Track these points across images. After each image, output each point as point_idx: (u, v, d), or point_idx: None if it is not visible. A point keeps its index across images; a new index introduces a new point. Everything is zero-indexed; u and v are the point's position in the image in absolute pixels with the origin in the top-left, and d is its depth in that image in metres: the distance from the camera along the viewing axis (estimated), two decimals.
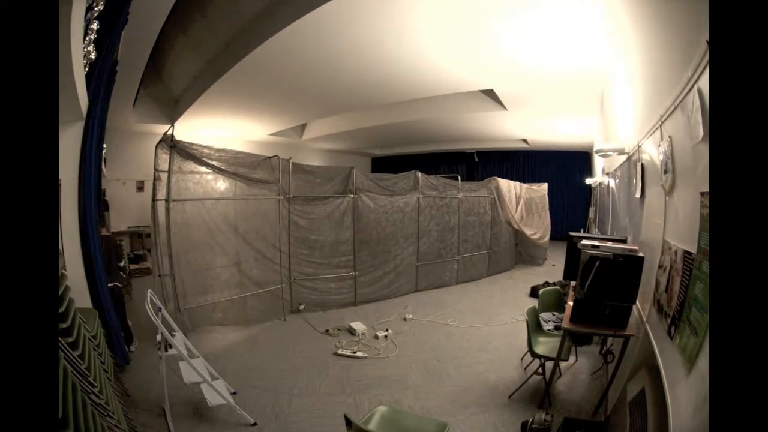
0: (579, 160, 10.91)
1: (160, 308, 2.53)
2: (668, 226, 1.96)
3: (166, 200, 3.83)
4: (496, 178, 7.42)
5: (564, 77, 5.10)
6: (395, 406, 2.74)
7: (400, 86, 5.96)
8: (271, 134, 9.40)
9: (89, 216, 3.13)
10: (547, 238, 8.30)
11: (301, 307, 4.86)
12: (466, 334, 4.25)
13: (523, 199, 7.96)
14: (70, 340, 1.72)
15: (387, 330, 4.20)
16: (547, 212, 8.59)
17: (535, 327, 3.06)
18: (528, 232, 7.82)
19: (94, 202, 3.21)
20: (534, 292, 5.66)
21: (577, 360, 3.49)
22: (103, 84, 3.23)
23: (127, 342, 3.47)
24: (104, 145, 4.27)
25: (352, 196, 5.17)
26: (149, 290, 2.56)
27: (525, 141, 10.87)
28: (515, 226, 7.59)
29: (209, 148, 4.13)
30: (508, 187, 7.57)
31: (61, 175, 2.94)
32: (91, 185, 3.16)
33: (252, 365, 3.42)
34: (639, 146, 2.75)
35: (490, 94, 6.68)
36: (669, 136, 1.88)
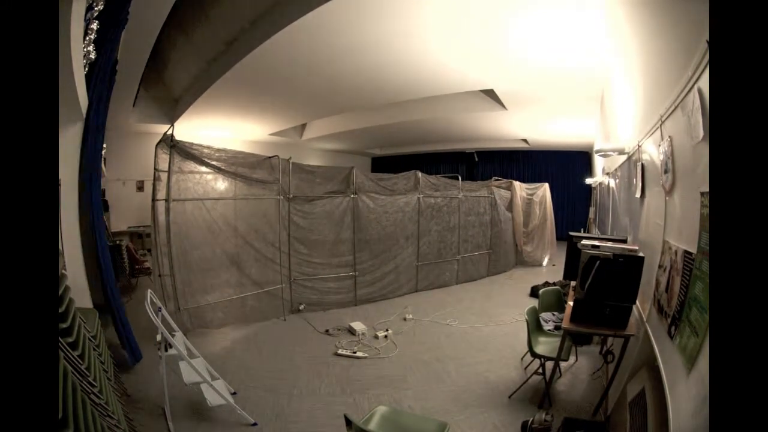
0: (579, 160, 10.91)
1: (160, 308, 2.53)
2: (668, 226, 1.96)
3: (166, 200, 3.84)
4: (513, 180, 7.47)
5: (564, 77, 5.11)
6: (395, 406, 2.74)
7: (400, 86, 5.97)
8: (271, 134, 9.40)
9: (96, 217, 3.13)
10: (547, 259, 8.12)
11: (301, 307, 4.86)
12: (466, 334, 4.25)
13: (538, 212, 7.99)
14: (70, 340, 1.72)
15: (387, 330, 4.20)
16: (551, 224, 8.31)
17: (535, 327, 3.06)
18: (527, 249, 7.95)
19: (98, 203, 3.21)
20: (534, 292, 5.66)
21: (577, 360, 3.49)
22: (103, 84, 3.23)
23: None
24: (104, 145, 4.27)
25: (352, 195, 5.17)
26: (149, 290, 2.56)
27: (525, 141, 10.87)
28: (518, 237, 7.64)
29: (209, 147, 4.13)
30: (520, 191, 7.64)
31: (61, 175, 2.94)
32: (92, 186, 3.16)
33: (252, 365, 3.42)
34: (639, 146, 2.74)
35: (490, 94, 6.68)
36: (669, 136, 1.88)
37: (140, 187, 8.36)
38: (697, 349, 1.27)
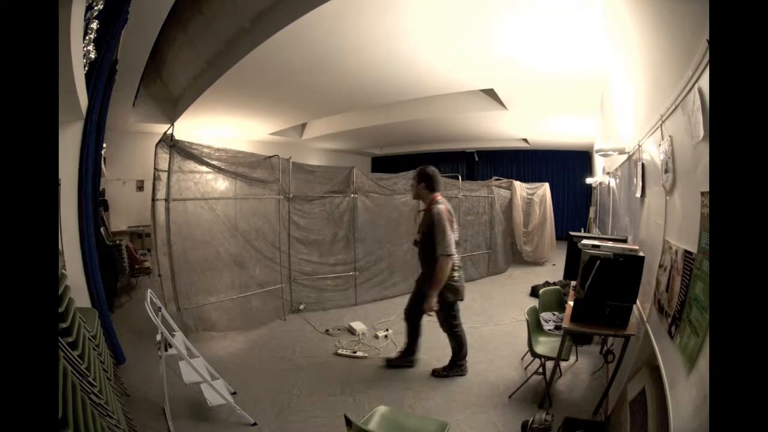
0: (579, 159, 10.90)
1: (160, 308, 2.53)
2: (669, 225, 1.96)
3: (166, 200, 3.83)
4: (513, 180, 7.45)
5: (564, 77, 5.10)
6: (395, 406, 2.74)
7: (400, 86, 5.97)
8: (271, 134, 9.40)
9: (87, 215, 3.13)
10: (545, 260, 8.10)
11: (301, 306, 4.86)
12: (466, 334, 4.23)
13: (538, 212, 7.99)
14: (70, 339, 1.72)
15: (387, 330, 4.20)
16: (551, 224, 8.28)
17: (535, 327, 3.05)
18: (527, 249, 7.94)
19: (91, 203, 3.21)
20: (534, 292, 5.66)
21: (577, 360, 3.49)
22: (103, 84, 3.23)
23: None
24: (104, 145, 4.27)
25: (352, 195, 5.17)
26: (149, 290, 2.56)
27: (525, 140, 10.87)
28: (518, 237, 7.64)
29: (209, 147, 4.12)
30: (521, 191, 7.63)
31: (61, 175, 2.94)
32: (89, 185, 3.16)
33: (252, 365, 3.42)
34: (639, 146, 2.74)
35: (490, 93, 6.68)
36: (669, 136, 1.88)
37: (140, 187, 8.37)
38: (698, 349, 1.27)
